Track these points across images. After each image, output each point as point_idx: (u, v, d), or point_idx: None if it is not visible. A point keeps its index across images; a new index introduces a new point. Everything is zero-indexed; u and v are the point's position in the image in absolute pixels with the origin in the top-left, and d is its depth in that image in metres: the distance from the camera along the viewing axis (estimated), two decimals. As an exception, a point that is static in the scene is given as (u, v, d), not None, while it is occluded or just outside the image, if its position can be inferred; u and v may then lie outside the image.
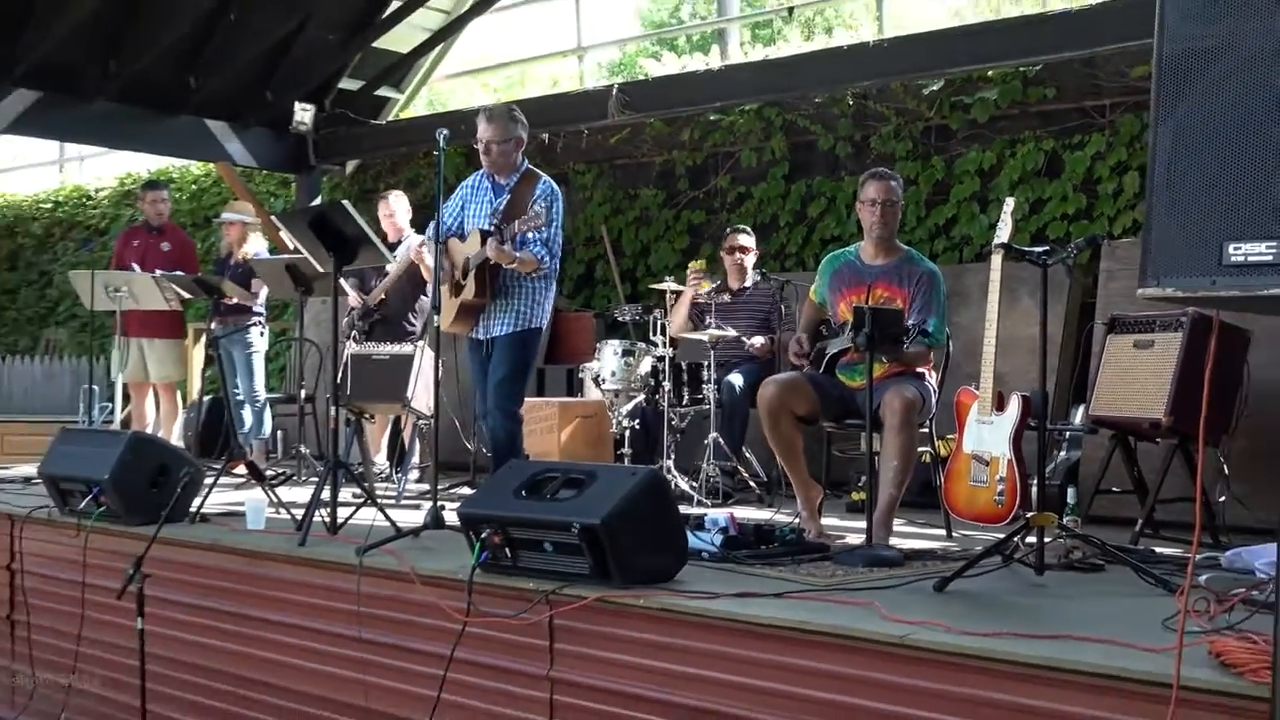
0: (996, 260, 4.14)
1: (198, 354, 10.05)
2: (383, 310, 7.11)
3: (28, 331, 13.89)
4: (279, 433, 8.89)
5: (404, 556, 4.19)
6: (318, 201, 10.38)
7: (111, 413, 9.81)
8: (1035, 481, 3.90)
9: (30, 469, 7.79)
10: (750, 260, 7.00)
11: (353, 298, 7.18)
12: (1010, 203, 4.22)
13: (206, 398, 9.21)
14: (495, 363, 5.33)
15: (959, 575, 3.56)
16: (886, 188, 4.91)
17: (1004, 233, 4.12)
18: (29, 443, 10.34)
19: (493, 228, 5.21)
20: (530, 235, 5.22)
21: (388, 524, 4.64)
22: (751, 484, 6.42)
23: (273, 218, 5.45)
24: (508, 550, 3.80)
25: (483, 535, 3.79)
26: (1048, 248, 3.90)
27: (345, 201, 4.66)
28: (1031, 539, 3.74)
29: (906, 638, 2.96)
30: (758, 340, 6.67)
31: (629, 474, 3.71)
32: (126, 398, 8.43)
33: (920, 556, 4.27)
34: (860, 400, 4.88)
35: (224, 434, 7.72)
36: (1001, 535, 3.85)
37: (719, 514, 4.32)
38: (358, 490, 5.28)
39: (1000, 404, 4.15)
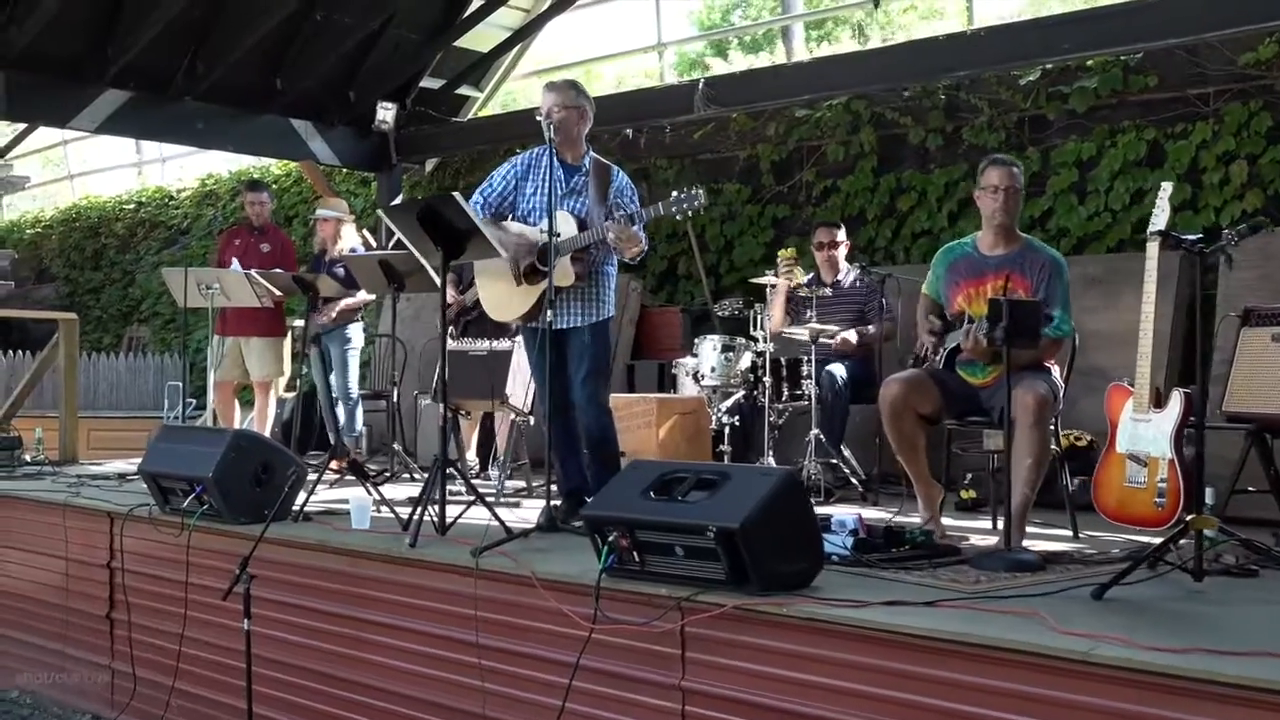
0: (1153, 248, 3.96)
1: (284, 352, 10.06)
2: (478, 309, 7.00)
3: (111, 329, 14.04)
4: (365, 429, 8.87)
5: (521, 559, 4.09)
6: (399, 199, 10.37)
7: (197, 408, 9.86)
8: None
9: (120, 465, 7.83)
10: (842, 253, 6.87)
11: (450, 296, 7.10)
12: (1168, 187, 4.02)
13: (290, 394, 9.23)
14: (578, 358, 5.03)
15: (1117, 582, 3.39)
16: (1009, 174, 4.74)
17: (1161, 219, 3.92)
18: (115, 438, 10.42)
19: (620, 213, 4.83)
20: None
21: (495, 524, 4.53)
22: (853, 481, 6.28)
23: (379, 212, 5.33)
24: (635, 554, 3.68)
25: (610, 538, 3.68)
26: (1201, 235, 3.71)
27: (456, 193, 4.55)
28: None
29: (1090, 653, 2.78)
30: (851, 335, 6.52)
31: (764, 474, 3.58)
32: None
33: (1057, 560, 4.09)
34: (984, 397, 4.76)
35: (317, 431, 7.70)
36: (1132, 537, 3.69)
37: (846, 515, 4.17)
38: (453, 488, 5.13)
39: (1158, 401, 3.96)
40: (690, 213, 4.76)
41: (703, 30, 18.77)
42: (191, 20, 8.46)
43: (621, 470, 3.95)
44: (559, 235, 4.68)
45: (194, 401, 11.19)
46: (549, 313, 4.54)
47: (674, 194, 4.77)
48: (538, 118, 4.83)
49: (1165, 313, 6.49)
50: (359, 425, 7.83)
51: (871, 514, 5.35)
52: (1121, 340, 6.46)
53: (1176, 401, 3.91)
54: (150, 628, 5.48)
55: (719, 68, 11.05)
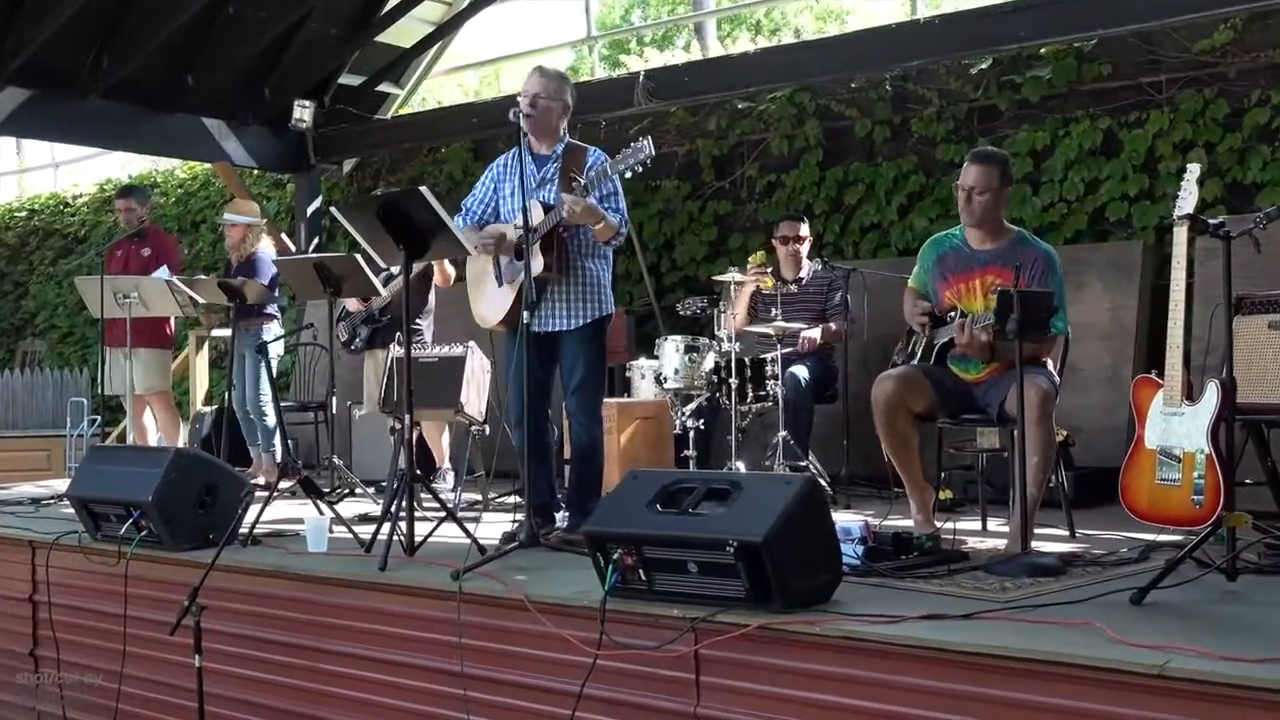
0: (1181, 234, 3.79)
1: (199, 363, 9.57)
2: (388, 314, 6.63)
3: (2, 344, 13.29)
4: (289, 442, 8.43)
5: (508, 580, 3.80)
6: (317, 203, 9.93)
7: (103, 424, 9.30)
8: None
9: (30, 488, 7.30)
10: (805, 248, 6.67)
11: (352, 302, 6.73)
12: (1195, 169, 3.85)
13: (209, 409, 8.75)
14: (570, 363, 4.75)
15: (1156, 585, 3.21)
16: (981, 174, 4.52)
17: (1188, 203, 3.75)
18: (15, 459, 9.82)
19: (578, 187, 4.58)
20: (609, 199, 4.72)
21: (466, 542, 4.20)
22: (822, 482, 6.05)
23: (332, 209, 4.97)
24: (641, 572, 3.41)
25: (614, 556, 3.40)
26: (1222, 220, 3.55)
27: (422, 188, 4.23)
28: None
29: (1166, 666, 2.58)
30: (815, 333, 6.32)
31: (783, 483, 3.33)
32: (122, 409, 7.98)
33: (1071, 562, 3.90)
34: (979, 394, 4.58)
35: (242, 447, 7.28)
36: (1136, 535, 3.52)
37: (851, 522, 3.95)
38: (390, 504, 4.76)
39: (1190, 393, 3.79)
40: (639, 166, 4.57)
41: (603, 30, 18.60)
42: (97, 13, 7.93)
43: (621, 481, 3.65)
44: (533, 230, 4.38)
45: (98, 418, 10.60)
46: (525, 314, 4.24)
47: (621, 152, 4.59)
48: (519, 99, 4.63)
49: (1129, 305, 6.41)
50: (274, 441, 7.41)
51: (852, 518, 5.14)
52: (1086, 333, 6.36)
53: (1212, 393, 3.73)
54: (83, 665, 5.05)
55: (632, 65, 10.85)
